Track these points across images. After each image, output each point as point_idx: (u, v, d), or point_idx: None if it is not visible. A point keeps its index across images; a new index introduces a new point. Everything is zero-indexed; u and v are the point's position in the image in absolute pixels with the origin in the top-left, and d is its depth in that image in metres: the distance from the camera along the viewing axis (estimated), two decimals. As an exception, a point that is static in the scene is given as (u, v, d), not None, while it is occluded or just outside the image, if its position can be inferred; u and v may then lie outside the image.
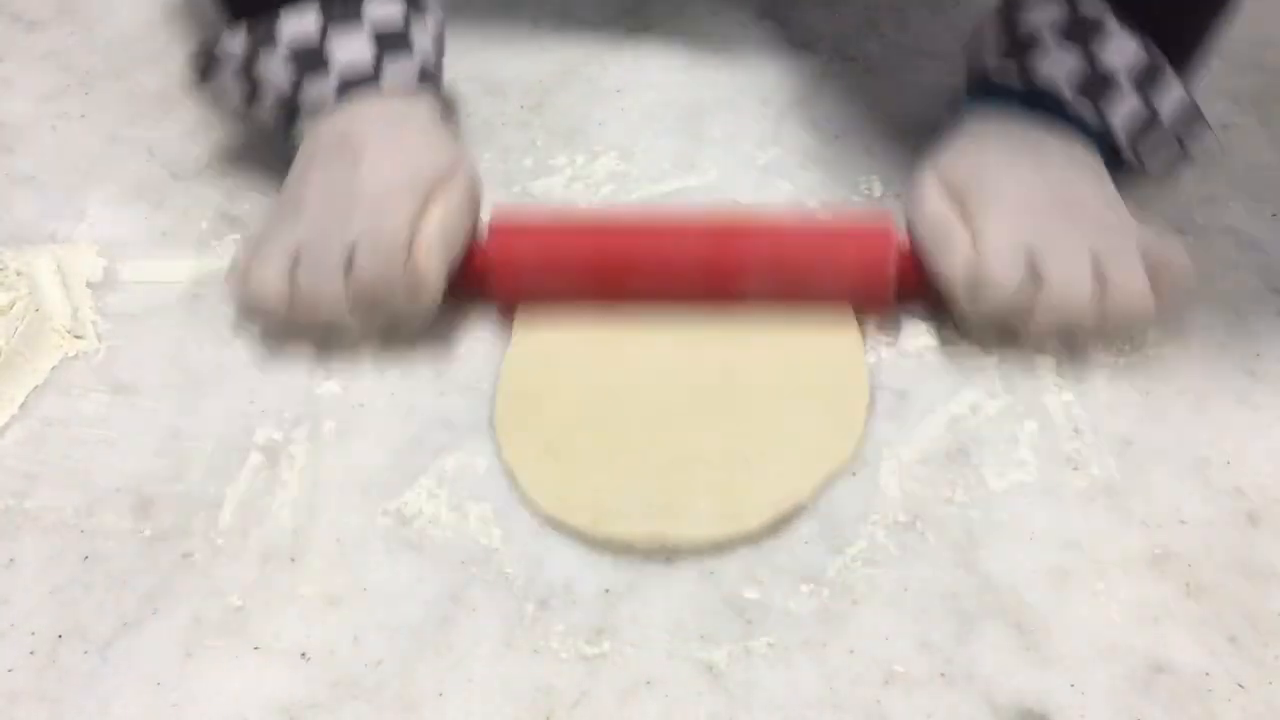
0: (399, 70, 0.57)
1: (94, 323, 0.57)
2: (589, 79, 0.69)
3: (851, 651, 0.46)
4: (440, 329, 0.55)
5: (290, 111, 0.57)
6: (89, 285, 0.58)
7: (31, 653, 0.45)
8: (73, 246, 0.60)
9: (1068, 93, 0.56)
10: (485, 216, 0.56)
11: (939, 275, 0.53)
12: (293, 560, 0.48)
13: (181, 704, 0.44)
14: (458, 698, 0.44)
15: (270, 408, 0.53)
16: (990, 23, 0.60)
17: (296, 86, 0.56)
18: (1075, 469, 0.51)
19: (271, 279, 0.52)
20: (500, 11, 0.73)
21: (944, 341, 0.56)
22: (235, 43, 0.56)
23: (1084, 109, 0.56)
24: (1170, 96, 0.56)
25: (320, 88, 0.56)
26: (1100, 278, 0.52)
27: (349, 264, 0.51)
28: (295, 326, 0.53)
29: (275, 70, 0.56)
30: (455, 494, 0.50)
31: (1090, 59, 0.55)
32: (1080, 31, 0.56)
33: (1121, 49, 0.55)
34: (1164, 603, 0.47)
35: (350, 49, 0.56)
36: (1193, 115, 0.57)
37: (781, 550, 0.48)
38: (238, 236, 0.60)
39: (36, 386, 0.54)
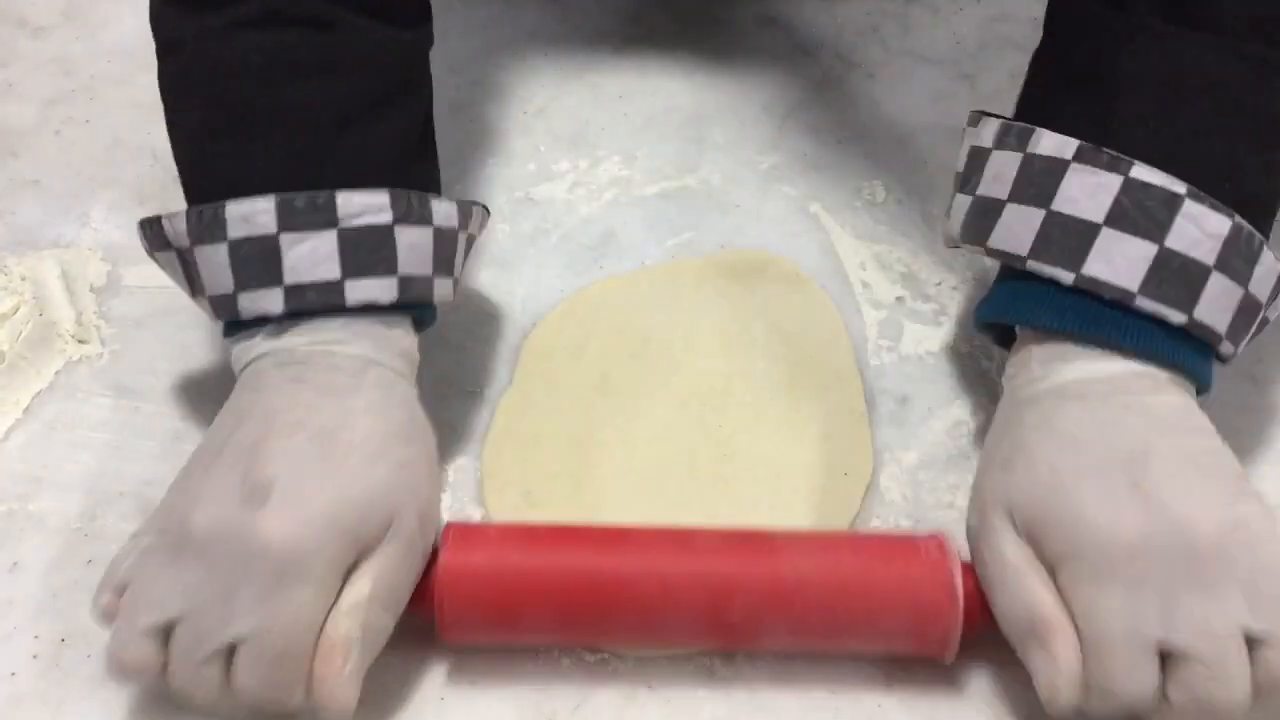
0: (368, 291, 0.45)
1: (98, 327, 0.57)
2: (591, 84, 0.69)
3: (853, 656, 0.46)
4: (446, 320, 0.56)
5: (231, 320, 0.46)
6: (93, 290, 0.58)
7: (35, 656, 0.46)
8: (77, 251, 0.60)
9: (1137, 288, 0.43)
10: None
11: (1036, 680, 0.41)
12: (295, 564, 0.48)
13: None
14: (459, 700, 0.44)
15: (273, 412, 0.53)
16: (1011, 188, 0.46)
17: (235, 294, 0.45)
18: (1076, 474, 0.51)
19: (137, 648, 0.40)
20: (503, 17, 0.73)
21: (945, 346, 0.56)
22: (177, 225, 0.46)
23: (1161, 306, 0.43)
24: (1266, 269, 0.44)
25: (264, 301, 0.45)
26: (1251, 644, 0.39)
27: (231, 655, 0.40)
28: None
29: (214, 269, 0.45)
30: (457, 498, 0.50)
31: (1162, 243, 0.43)
32: (1147, 210, 0.43)
33: (1202, 225, 0.43)
34: (1165, 608, 0.47)
35: (308, 256, 0.44)
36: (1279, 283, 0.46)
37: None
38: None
39: (40, 390, 0.54)
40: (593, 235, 0.61)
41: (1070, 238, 0.44)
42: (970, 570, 0.43)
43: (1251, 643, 0.39)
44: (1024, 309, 0.46)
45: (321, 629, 0.40)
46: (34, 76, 0.70)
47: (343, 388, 0.44)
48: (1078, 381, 0.44)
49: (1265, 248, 0.44)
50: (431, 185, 0.50)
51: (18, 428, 0.53)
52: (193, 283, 0.47)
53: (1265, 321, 0.46)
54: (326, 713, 0.40)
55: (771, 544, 0.44)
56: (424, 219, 0.46)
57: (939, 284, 0.59)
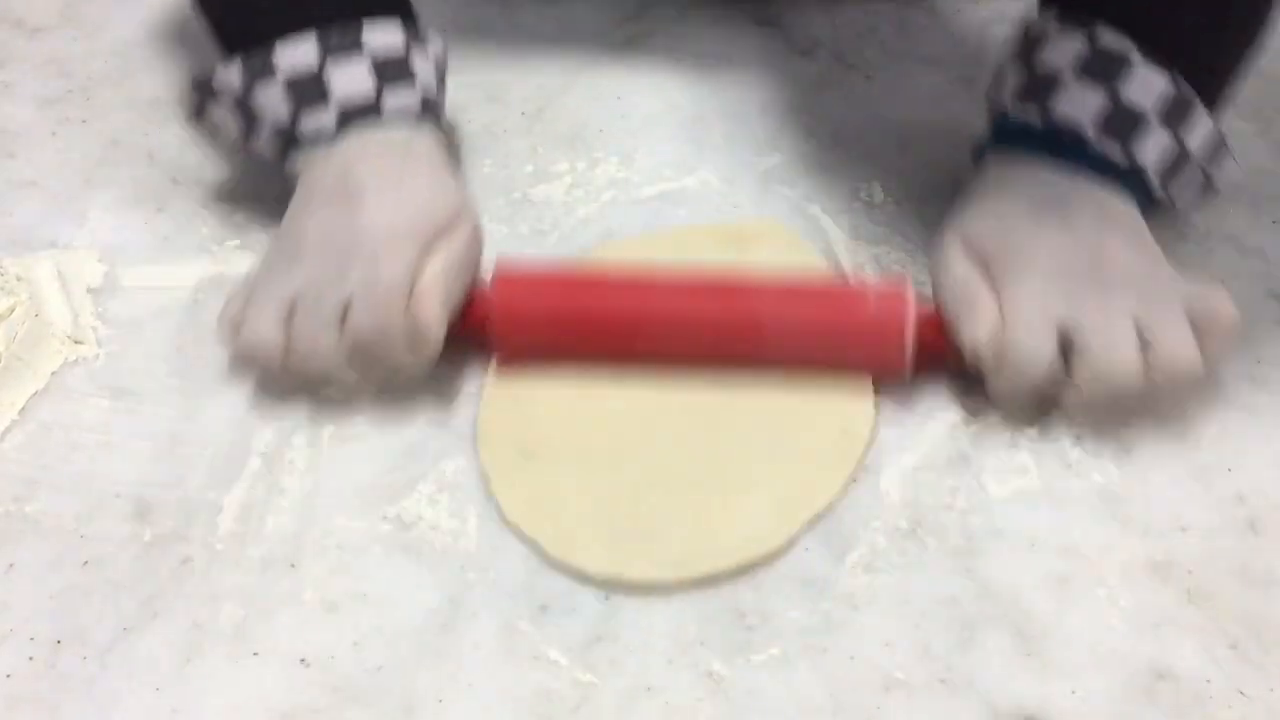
0: (400, 101, 0.56)
1: (94, 328, 0.57)
2: (589, 85, 0.69)
3: (852, 658, 0.46)
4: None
5: (288, 144, 0.56)
6: (89, 291, 0.58)
7: (31, 658, 0.45)
8: (73, 252, 0.60)
9: (1091, 132, 0.53)
10: (489, 260, 0.55)
11: (964, 345, 0.51)
12: (292, 566, 0.48)
13: (181, 710, 0.44)
14: (457, 704, 0.44)
15: (270, 414, 0.53)
16: (1009, 63, 0.57)
17: (295, 118, 0.55)
18: (1076, 475, 0.51)
19: (265, 329, 0.51)
20: (501, 18, 0.73)
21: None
22: (231, 75, 0.55)
23: (1110, 148, 0.53)
24: (1199, 131, 0.54)
25: (319, 119, 0.55)
26: (1143, 342, 0.49)
27: (345, 315, 0.50)
28: (289, 377, 0.52)
29: (273, 102, 0.55)
30: (455, 500, 0.50)
31: (1115, 96, 0.53)
32: (1103, 68, 0.53)
33: (1148, 84, 0.53)
34: (1165, 609, 0.47)
35: (350, 79, 0.55)
36: (1220, 147, 0.55)
37: (782, 556, 0.48)
38: (238, 242, 0.60)
39: (36, 391, 0.54)
40: (591, 236, 0.61)
41: (1040, 87, 0.55)
42: (931, 314, 0.52)
43: (1142, 342, 0.49)
44: (1001, 139, 0.57)
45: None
46: (31, 77, 0.70)
47: (398, 143, 0.55)
48: (1037, 170, 0.54)
49: (1203, 110, 0.54)
50: (419, 26, 0.60)
51: (13, 429, 0.53)
52: (249, 125, 0.56)
53: (1211, 186, 0.56)
54: (419, 343, 0.50)
55: (767, 277, 0.54)
56: (426, 44, 0.58)
57: (938, 285, 0.59)
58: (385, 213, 0.52)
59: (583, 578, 0.48)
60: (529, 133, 0.66)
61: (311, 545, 0.49)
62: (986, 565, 0.48)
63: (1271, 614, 0.47)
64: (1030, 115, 0.55)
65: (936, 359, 0.53)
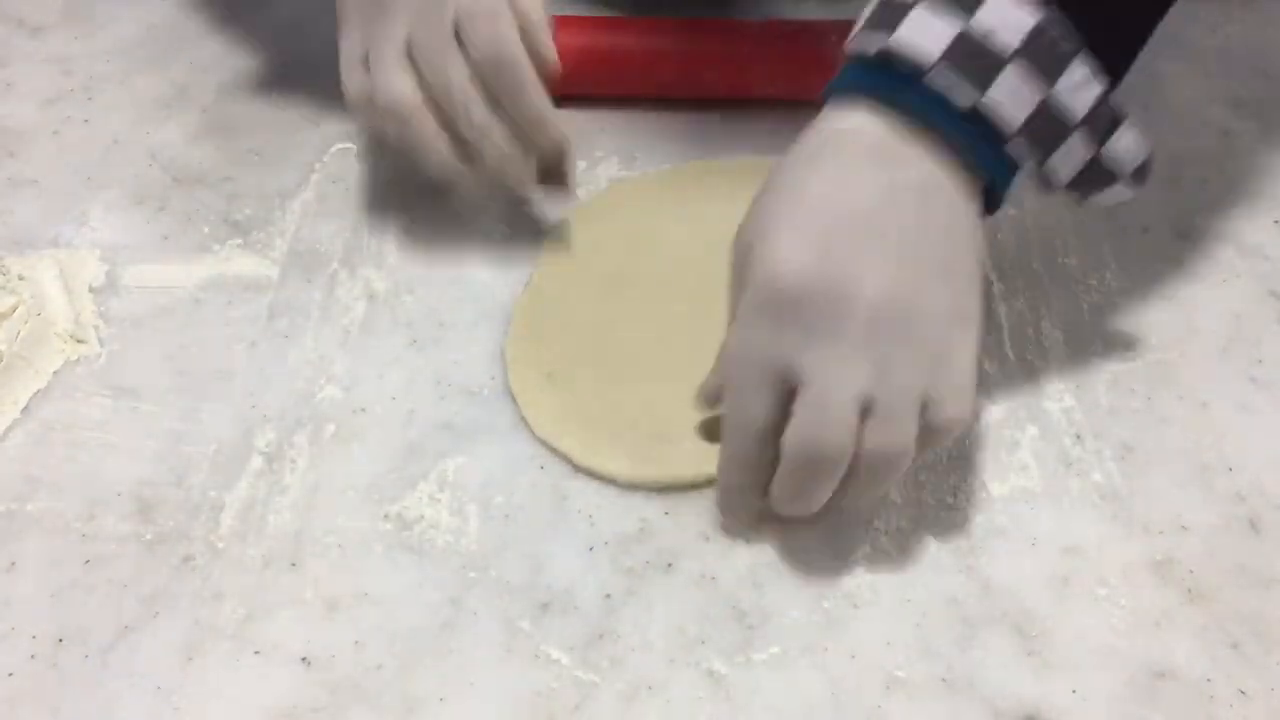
0: None
1: (96, 327, 0.57)
2: (591, 85, 0.69)
3: (853, 657, 0.46)
4: (445, 320, 0.56)
5: None
6: (91, 290, 0.58)
7: (32, 656, 0.45)
8: (75, 251, 0.60)
9: (931, 62, 0.43)
10: None
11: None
12: (293, 565, 0.48)
13: (182, 708, 0.44)
14: (458, 702, 0.44)
15: (271, 412, 0.53)
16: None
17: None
18: (1077, 475, 0.51)
19: (396, 82, 0.52)
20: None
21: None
22: None
23: (952, 84, 0.43)
24: (1080, 83, 0.44)
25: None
26: (866, 412, 0.43)
27: (458, 40, 0.52)
28: (430, 128, 0.54)
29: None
30: (456, 498, 0.50)
31: (967, 23, 0.43)
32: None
33: (1010, 19, 0.43)
34: (1165, 609, 0.47)
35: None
36: (1111, 115, 0.45)
37: (783, 555, 0.48)
38: (240, 241, 0.60)
39: (38, 390, 0.54)
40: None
41: (890, 14, 0.44)
42: None
43: (864, 408, 0.43)
44: (833, 82, 0.47)
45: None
46: (32, 76, 0.70)
47: None
48: (848, 132, 0.45)
49: (1083, 60, 0.44)
50: None
51: (15, 427, 0.53)
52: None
53: (1109, 173, 0.46)
54: (544, 61, 0.54)
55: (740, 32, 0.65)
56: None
57: (939, 284, 0.59)
58: None
59: (611, 481, 0.50)
60: (530, 132, 0.66)
61: (313, 544, 0.49)
62: (987, 564, 0.48)
63: (1272, 613, 0.47)
64: (867, 44, 0.45)
65: None
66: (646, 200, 0.62)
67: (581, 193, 0.62)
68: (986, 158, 0.45)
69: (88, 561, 0.48)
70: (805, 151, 0.45)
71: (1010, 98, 0.43)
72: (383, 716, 0.44)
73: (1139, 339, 0.56)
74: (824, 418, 0.43)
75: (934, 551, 0.49)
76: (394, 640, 0.46)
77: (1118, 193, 0.48)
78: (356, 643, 0.46)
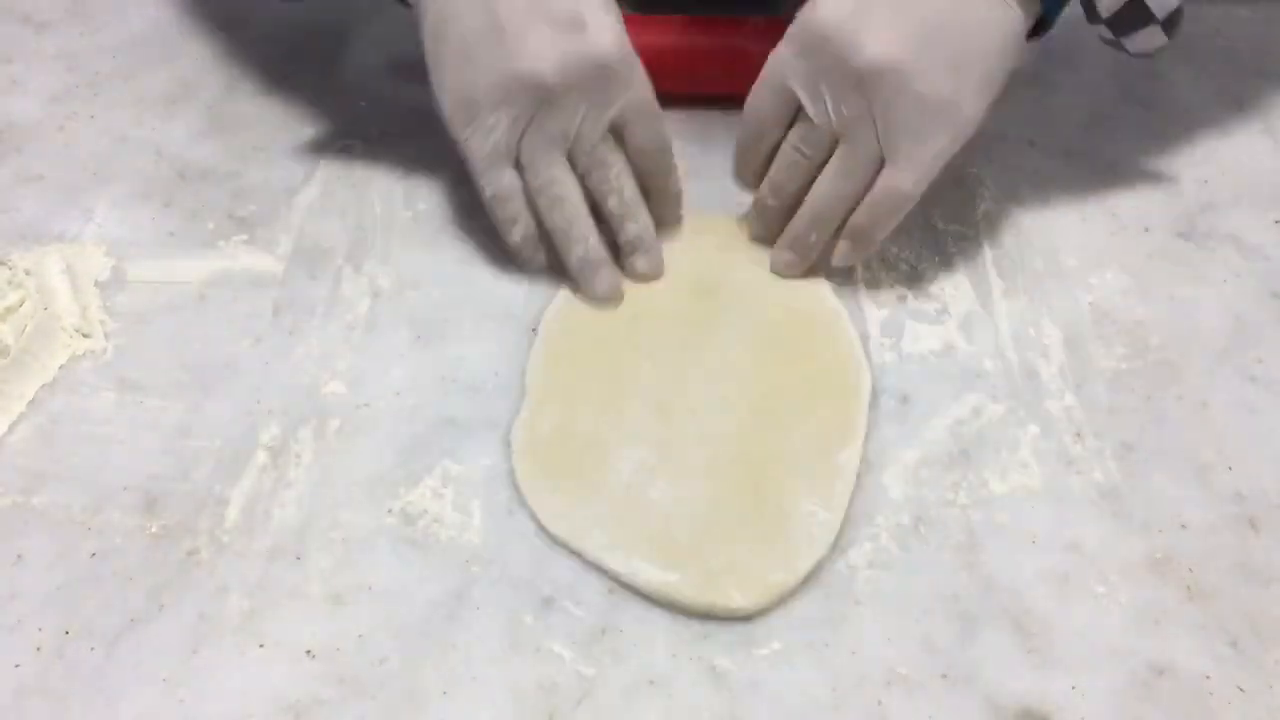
0: None
1: (102, 322, 0.57)
2: (595, 83, 0.69)
3: (854, 653, 0.46)
4: (449, 316, 0.56)
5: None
6: (97, 285, 0.58)
7: (38, 649, 0.46)
8: (81, 246, 0.60)
9: None
10: None
11: None
12: (298, 559, 0.48)
13: (187, 701, 0.44)
14: (462, 696, 0.45)
15: (276, 407, 0.53)
16: None
17: None
18: (1077, 473, 0.51)
19: (565, 184, 0.55)
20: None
21: (947, 345, 0.56)
22: None
23: None
24: None
25: None
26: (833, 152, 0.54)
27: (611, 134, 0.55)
28: (583, 228, 0.56)
29: None
30: (460, 493, 0.50)
31: None
32: None
33: None
34: (1165, 606, 0.47)
35: None
36: None
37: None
38: (245, 237, 0.61)
39: (45, 384, 0.54)
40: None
41: None
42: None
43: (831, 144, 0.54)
44: None
45: None
46: (38, 72, 0.70)
47: None
48: None
49: None
50: None
51: (21, 421, 0.53)
52: None
53: (1143, 11, 0.54)
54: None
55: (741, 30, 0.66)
56: None
57: (941, 283, 0.59)
58: (614, 30, 0.54)
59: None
60: (534, 129, 0.66)
61: (317, 538, 0.49)
62: (988, 561, 0.48)
63: (1271, 611, 0.47)
64: None
65: None
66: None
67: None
68: None
69: (94, 555, 0.48)
70: None
71: None
72: (386, 710, 0.44)
73: (1139, 339, 0.56)
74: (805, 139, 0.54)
75: (934, 549, 0.49)
76: (398, 634, 0.46)
77: (1151, 35, 0.54)
78: (360, 636, 0.46)
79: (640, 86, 0.55)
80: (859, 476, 0.51)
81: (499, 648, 0.46)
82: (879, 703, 0.44)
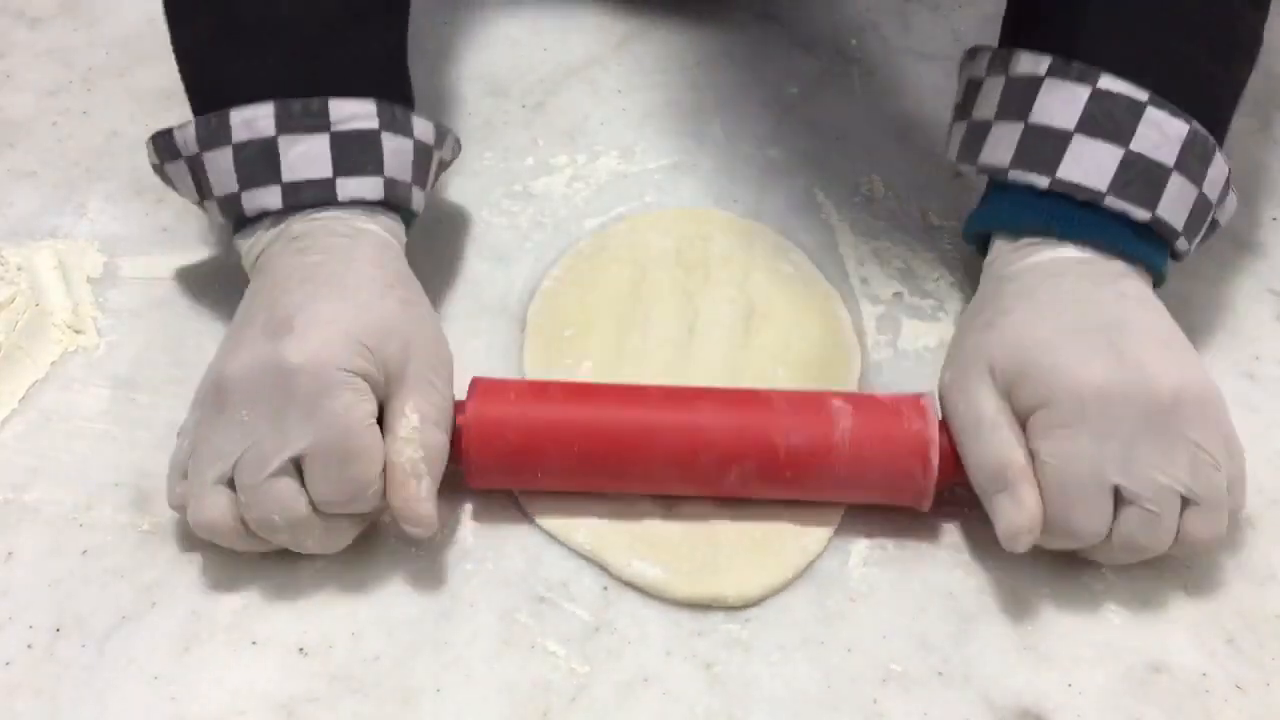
0: (358, 188, 0.49)
1: (94, 318, 0.57)
2: (590, 79, 0.69)
3: (849, 650, 0.46)
4: (443, 313, 0.56)
5: (235, 219, 0.51)
6: (89, 281, 0.58)
7: (29, 646, 0.45)
8: (73, 242, 0.60)
9: (1109, 191, 0.48)
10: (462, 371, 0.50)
11: (998, 525, 0.45)
12: (291, 555, 0.48)
13: (179, 698, 0.44)
14: (455, 693, 0.44)
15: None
16: (998, 118, 0.51)
17: (239, 193, 0.49)
18: (1074, 470, 0.51)
19: (215, 510, 0.44)
20: (502, 11, 0.73)
21: (943, 342, 0.56)
22: (186, 134, 0.50)
23: (1128, 205, 0.48)
24: (1214, 172, 0.49)
25: (265, 198, 0.49)
26: (1185, 504, 0.45)
27: (301, 470, 0.44)
28: (257, 547, 0.46)
29: (221, 171, 0.49)
30: (454, 491, 0.50)
31: (1128, 148, 0.48)
32: (1113, 119, 0.48)
33: (1164, 132, 0.48)
34: (1162, 603, 0.47)
35: (304, 156, 0.49)
36: (1228, 184, 0.51)
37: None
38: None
39: (37, 381, 0.54)
40: (591, 230, 0.61)
41: (1045, 146, 0.49)
42: (944, 427, 0.47)
43: (1184, 502, 0.44)
44: (1005, 215, 0.51)
45: (386, 460, 0.45)
46: (32, 67, 0.70)
47: (343, 247, 0.48)
48: (1054, 261, 0.49)
49: (1218, 151, 0.49)
50: (408, 101, 0.54)
51: (14, 418, 0.53)
52: (200, 188, 0.51)
53: (1215, 225, 0.52)
54: (413, 532, 0.45)
55: (768, 404, 0.48)
56: (406, 131, 0.51)
57: (937, 279, 0.59)
58: (319, 336, 0.44)
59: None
60: (530, 126, 0.66)
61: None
62: (984, 559, 0.48)
63: (1268, 609, 0.47)
64: (1034, 178, 0.49)
65: (951, 483, 0.48)
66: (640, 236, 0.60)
67: (566, 240, 0.60)
68: (1155, 254, 0.50)
69: (85, 551, 0.48)
70: (1025, 283, 0.49)
71: (1175, 205, 0.49)
72: (379, 707, 0.44)
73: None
74: (1159, 520, 0.44)
75: (930, 546, 0.49)
76: (391, 631, 0.46)
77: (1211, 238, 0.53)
78: (353, 633, 0.46)
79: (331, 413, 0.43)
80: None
81: (493, 645, 0.46)
82: (874, 700, 0.44)
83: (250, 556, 0.48)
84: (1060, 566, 0.48)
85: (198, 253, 0.59)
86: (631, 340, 0.55)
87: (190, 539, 0.48)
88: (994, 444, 0.45)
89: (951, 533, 0.49)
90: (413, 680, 0.45)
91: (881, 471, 0.47)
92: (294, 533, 0.45)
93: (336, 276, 0.47)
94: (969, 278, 0.59)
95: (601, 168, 0.64)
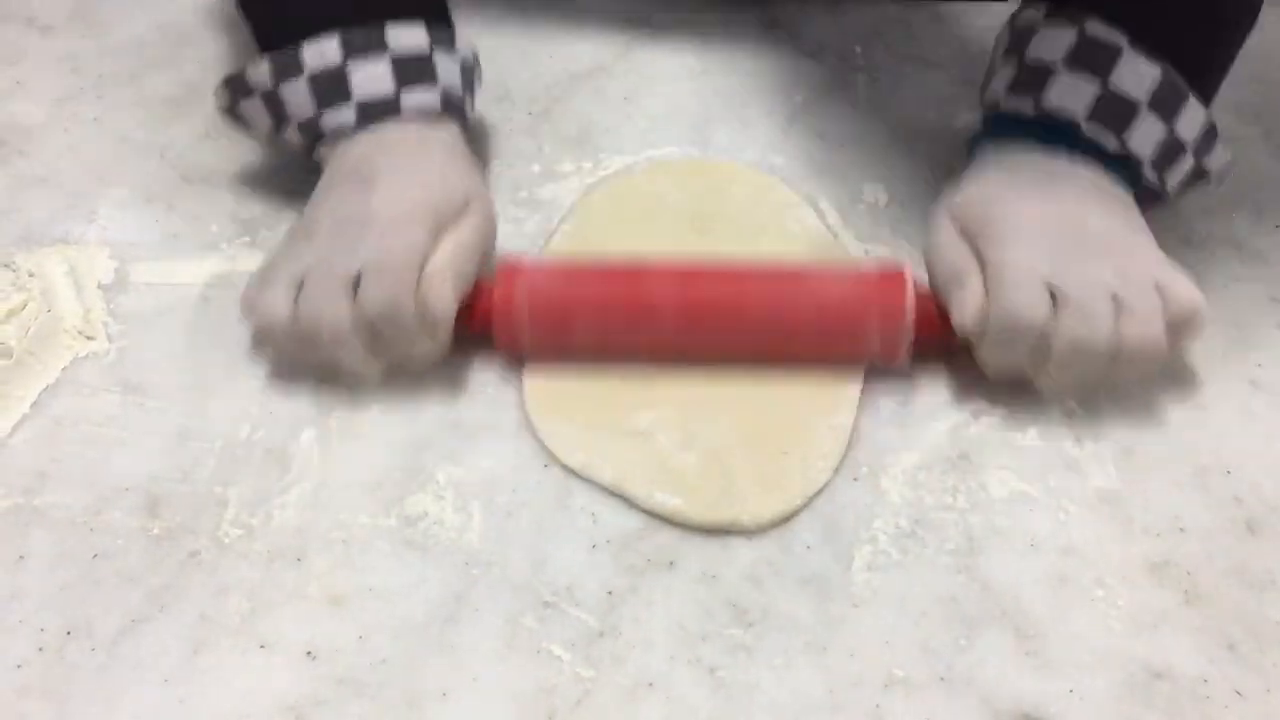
0: (420, 99, 0.57)
1: (105, 324, 0.57)
2: (597, 86, 0.70)
3: (852, 655, 0.46)
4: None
5: (314, 137, 0.58)
6: (100, 287, 0.59)
7: (40, 649, 0.46)
8: (84, 248, 0.60)
9: (1083, 119, 0.54)
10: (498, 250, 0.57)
11: (954, 319, 0.52)
12: (299, 560, 0.48)
13: (188, 701, 0.44)
14: (461, 697, 0.45)
15: (278, 409, 0.53)
16: (1000, 58, 0.59)
17: (318, 114, 0.57)
18: (1076, 476, 0.51)
19: (277, 303, 0.52)
20: (509, 19, 0.74)
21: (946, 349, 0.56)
22: (261, 71, 0.57)
23: (1100, 134, 0.54)
24: (1190, 118, 0.55)
25: (341, 116, 0.56)
26: (1117, 311, 0.50)
27: (355, 290, 0.51)
28: (302, 355, 0.53)
29: (298, 98, 0.57)
30: (460, 495, 0.51)
31: (1105, 84, 0.54)
32: (1093, 58, 0.54)
33: (1139, 73, 0.54)
34: (1163, 610, 0.47)
35: (370, 78, 0.56)
36: (1210, 135, 0.56)
37: (783, 554, 0.49)
38: (248, 239, 0.61)
39: (48, 386, 0.54)
40: (597, 236, 0.61)
41: (1035, 80, 0.56)
42: (925, 295, 0.53)
43: (1117, 308, 0.50)
44: (995, 131, 0.58)
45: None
46: (43, 75, 0.70)
47: (417, 137, 0.57)
48: (1026, 153, 0.56)
49: (1191, 96, 0.55)
50: (449, 23, 0.62)
51: (24, 423, 0.53)
52: (277, 118, 0.58)
53: (1204, 174, 0.57)
54: (428, 321, 0.51)
55: (767, 263, 0.55)
56: (452, 49, 0.60)
57: (941, 287, 0.59)
58: (396, 194, 0.53)
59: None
60: (536, 133, 0.67)
61: (318, 539, 0.49)
62: (986, 565, 0.48)
63: (1269, 615, 0.47)
64: (1023, 106, 0.56)
65: (934, 342, 0.53)
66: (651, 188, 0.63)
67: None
68: (1122, 177, 0.56)
69: (95, 555, 0.49)
70: (994, 158, 0.56)
71: (1143, 139, 0.55)
72: (385, 711, 0.44)
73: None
74: (1092, 315, 0.50)
75: (933, 552, 0.49)
76: (397, 635, 0.46)
77: (1202, 186, 0.58)
78: (360, 637, 0.46)
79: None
80: (856, 478, 0.51)
81: (498, 649, 0.46)
82: (877, 705, 0.45)
83: (256, 558, 0.48)
84: (1061, 572, 0.48)
85: (208, 259, 0.60)
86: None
87: (198, 544, 0.49)
88: (950, 256, 0.53)
89: (954, 538, 0.49)
90: (419, 684, 0.45)
91: (853, 318, 0.53)
92: (334, 344, 0.51)
93: (412, 150, 0.56)
94: (972, 285, 0.59)
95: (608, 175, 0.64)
